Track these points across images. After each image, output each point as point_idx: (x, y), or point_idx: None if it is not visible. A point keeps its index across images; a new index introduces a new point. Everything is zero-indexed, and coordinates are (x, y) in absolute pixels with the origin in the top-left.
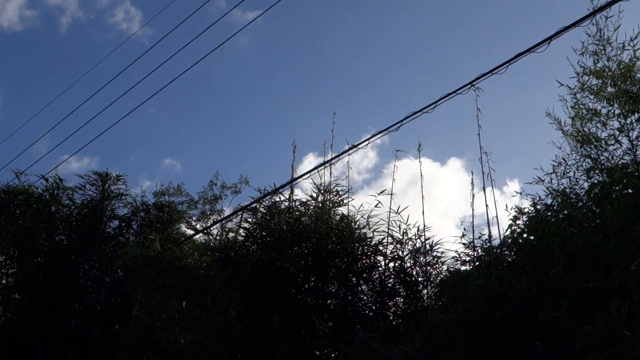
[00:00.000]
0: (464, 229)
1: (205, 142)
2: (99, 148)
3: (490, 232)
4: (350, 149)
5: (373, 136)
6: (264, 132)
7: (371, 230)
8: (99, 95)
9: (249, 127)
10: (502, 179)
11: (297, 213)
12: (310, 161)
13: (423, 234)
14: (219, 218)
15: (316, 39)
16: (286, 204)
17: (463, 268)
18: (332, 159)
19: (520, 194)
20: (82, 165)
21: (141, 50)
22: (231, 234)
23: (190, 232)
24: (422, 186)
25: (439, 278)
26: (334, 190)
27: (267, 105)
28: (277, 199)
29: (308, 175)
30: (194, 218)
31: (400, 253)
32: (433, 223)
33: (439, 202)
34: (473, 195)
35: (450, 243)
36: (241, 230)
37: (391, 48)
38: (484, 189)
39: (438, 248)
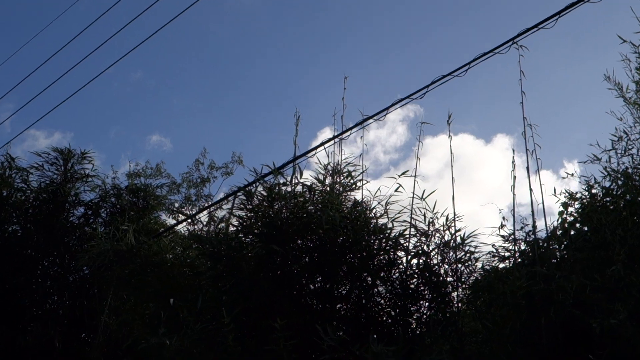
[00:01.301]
0: (503, 217)
1: (201, 116)
2: (73, 122)
3: (534, 222)
4: (364, 120)
5: (392, 105)
6: (270, 103)
7: (390, 219)
8: (71, 54)
9: (253, 97)
10: (558, 159)
11: (300, 199)
12: (326, 136)
13: (453, 224)
14: (207, 204)
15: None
16: (288, 188)
17: (502, 266)
18: (342, 133)
19: (572, 175)
20: (53, 143)
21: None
22: (221, 224)
23: (171, 221)
24: (451, 165)
25: (472, 278)
26: (345, 171)
27: (274, 71)
28: (278, 182)
29: (313, 153)
30: (177, 204)
31: (425, 247)
32: (473, 212)
33: (481, 187)
34: (514, 177)
35: (486, 236)
36: (233, 219)
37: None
38: (527, 169)
39: (471, 242)
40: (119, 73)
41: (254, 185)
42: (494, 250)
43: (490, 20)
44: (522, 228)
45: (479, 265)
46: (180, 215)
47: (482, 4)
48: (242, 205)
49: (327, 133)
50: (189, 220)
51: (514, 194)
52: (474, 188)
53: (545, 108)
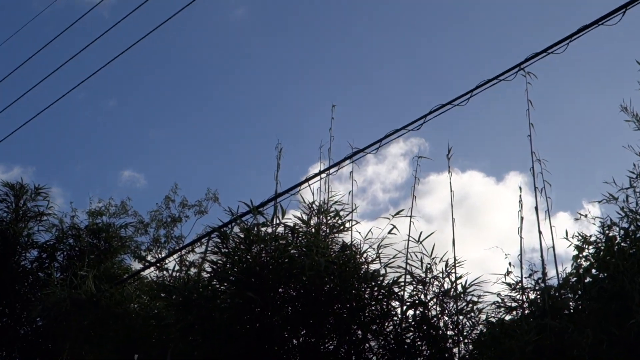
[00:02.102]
0: (509, 263)
1: (179, 149)
2: (36, 155)
3: (544, 268)
4: (354, 154)
5: (386, 137)
6: (254, 135)
7: (383, 265)
8: (32, 73)
9: (237, 129)
10: (577, 199)
11: (282, 242)
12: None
13: (454, 270)
14: (177, 247)
15: (325, 8)
16: (268, 229)
17: (508, 318)
18: (328, 168)
19: (585, 216)
20: (10, 178)
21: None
22: (193, 270)
23: (137, 266)
24: (451, 204)
25: (476, 331)
26: (333, 211)
27: (260, 97)
28: (257, 223)
29: (296, 190)
30: (143, 247)
31: (422, 297)
32: (480, 258)
33: (491, 230)
34: (521, 218)
35: (491, 284)
36: (206, 265)
37: (423, 18)
38: (536, 210)
39: (474, 291)
40: (91, 100)
41: (230, 226)
42: (500, 300)
43: (494, 44)
44: (530, 275)
45: (483, 317)
46: (147, 259)
47: (485, 28)
48: (216, 249)
49: (319, 168)
50: (157, 265)
51: (520, 237)
52: (482, 231)
53: (559, 142)
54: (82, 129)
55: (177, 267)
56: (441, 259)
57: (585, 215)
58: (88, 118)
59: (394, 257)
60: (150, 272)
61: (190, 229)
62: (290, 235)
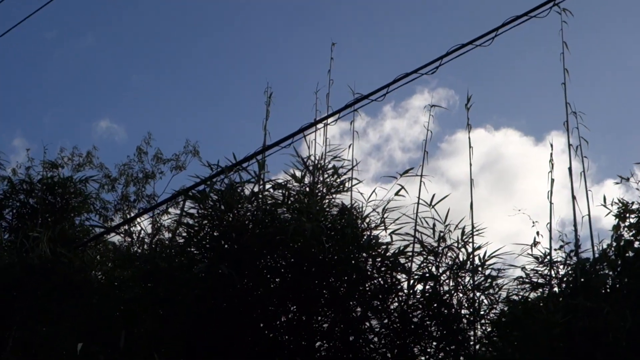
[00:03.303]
0: (537, 233)
1: (165, 97)
2: None
3: (578, 240)
4: (356, 101)
5: (394, 82)
6: (253, 80)
7: (389, 232)
8: None
9: (236, 75)
10: (624, 162)
11: (270, 201)
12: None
13: (471, 239)
14: (148, 207)
15: None
16: (255, 187)
17: (533, 295)
18: (327, 117)
19: (627, 180)
20: None
21: None
22: (166, 234)
23: (101, 228)
24: (470, 164)
25: (495, 311)
26: (330, 167)
27: (252, 38)
28: (241, 180)
29: (288, 142)
30: (110, 207)
31: (433, 269)
32: (510, 230)
33: (525, 197)
34: (552, 180)
35: (515, 256)
36: (181, 228)
37: None
38: (569, 170)
39: (494, 264)
40: (63, 38)
41: (210, 183)
42: (524, 276)
43: None
44: (561, 247)
45: (504, 294)
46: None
47: None
48: (191, 211)
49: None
50: (124, 228)
51: (550, 203)
52: (514, 199)
53: (605, 93)
54: (51, 71)
55: (147, 231)
56: (456, 226)
57: (627, 179)
58: (58, 59)
59: (401, 223)
60: (116, 236)
61: (165, 187)
62: (280, 194)
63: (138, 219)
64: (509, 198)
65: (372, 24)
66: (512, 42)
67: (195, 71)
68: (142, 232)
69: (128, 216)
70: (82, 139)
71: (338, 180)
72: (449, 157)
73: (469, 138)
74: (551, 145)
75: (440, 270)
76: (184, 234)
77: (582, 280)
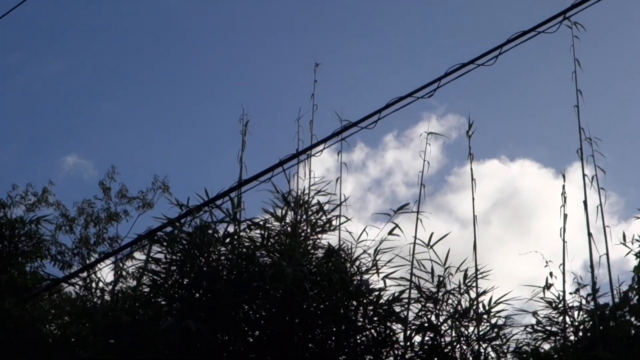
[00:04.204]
0: (550, 274)
1: (142, 128)
2: None
3: (595, 282)
4: (343, 129)
5: (386, 107)
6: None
7: (381, 276)
8: None
9: (211, 100)
10: None
11: (247, 243)
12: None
13: (475, 283)
14: (109, 251)
15: None
16: (227, 227)
17: (547, 346)
18: (310, 147)
19: None
20: None
21: None
22: (131, 281)
23: (57, 273)
24: (472, 198)
25: None
26: (314, 204)
27: (234, 54)
28: (212, 220)
29: (270, 175)
30: (67, 251)
31: (433, 318)
32: (524, 272)
33: (544, 237)
34: (565, 215)
35: (525, 301)
36: (146, 276)
37: None
38: (584, 204)
39: (500, 311)
40: (29, 63)
41: (179, 224)
42: (536, 324)
43: None
44: (577, 291)
45: (513, 345)
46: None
47: None
48: (158, 255)
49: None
50: (84, 274)
51: (564, 241)
52: (531, 238)
53: (623, 115)
54: (14, 100)
55: (105, 280)
56: (457, 268)
57: None
58: (22, 85)
59: (396, 266)
60: (75, 283)
61: (130, 228)
62: (259, 236)
63: (99, 265)
64: (526, 237)
65: (361, 42)
66: (523, 60)
67: (167, 97)
68: (102, 280)
69: (87, 261)
70: (44, 176)
71: (324, 218)
72: (458, 192)
73: (471, 169)
74: (563, 177)
75: (441, 319)
76: (150, 282)
77: (601, 328)
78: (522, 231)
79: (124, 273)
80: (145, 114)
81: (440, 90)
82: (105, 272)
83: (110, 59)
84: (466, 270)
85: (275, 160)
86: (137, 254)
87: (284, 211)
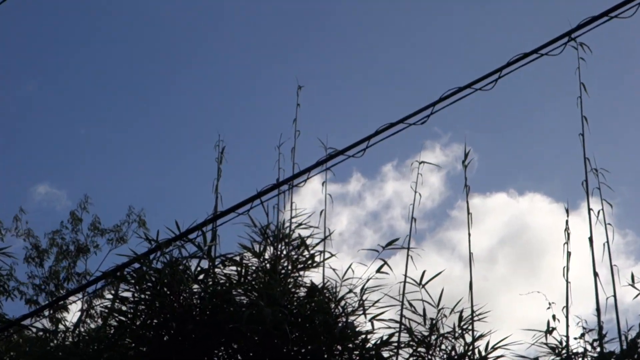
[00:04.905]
0: (553, 317)
1: (118, 154)
2: None
3: (601, 327)
4: (328, 158)
5: (376, 134)
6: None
7: (368, 317)
8: None
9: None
10: None
11: (222, 280)
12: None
13: (470, 326)
14: (77, 287)
15: None
16: (199, 263)
17: None
18: (292, 177)
19: None
20: None
21: None
22: (98, 321)
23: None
24: (469, 234)
25: None
26: (295, 239)
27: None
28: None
29: (249, 207)
30: (33, 286)
31: None
32: (537, 316)
33: (554, 277)
34: (568, 253)
35: (527, 346)
36: (112, 316)
37: None
38: (589, 241)
39: (499, 357)
40: (1, 81)
41: (147, 260)
42: None
43: (534, 6)
44: (582, 335)
45: None
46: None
47: None
48: (128, 294)
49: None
50: (46, 314)
51: (567, 282)
52: (542, 278)
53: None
54: None
55: (76, 318)
56: (452, 310)
57: None
58: None
59: (385, 307)
60: (29, 326)
61: (100, 262)
62: (235, 272)
63: (67, 302)
64: (534, 277)
65: (349, 64)
66: (529, 85)
67: (149, 123)
68: (67, 320)
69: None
70: (14, 206)
71: (306, 253)
72: (462, 228)
73: (467, 202)
74: (567, 211)
75: None
76: (116, 323)
77: None
78: (530, 271)
79: (92, 312)
80: (122, 140)
81: (444, 118)
82: (74, 311)
83: (87, 82)
84: (461, 312)
85: (253, 191)
86: (107, 292)
87: (262, 246)
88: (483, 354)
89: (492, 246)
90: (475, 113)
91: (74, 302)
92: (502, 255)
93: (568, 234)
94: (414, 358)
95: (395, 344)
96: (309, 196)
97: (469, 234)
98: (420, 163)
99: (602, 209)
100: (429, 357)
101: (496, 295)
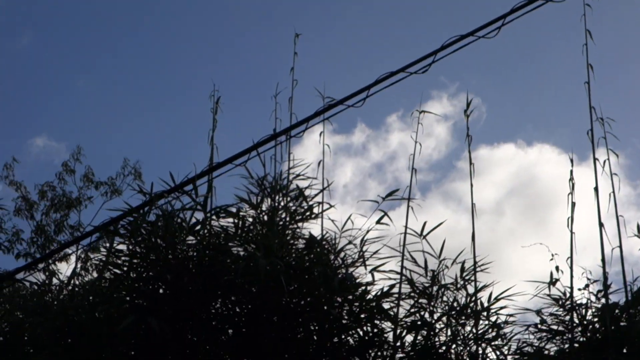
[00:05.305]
0: (556, 268)
1: (119, 108)
2: None
3: (606, 277)
4: (327, 108)
5: (375, 83)
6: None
7: (369, 269)
8: None
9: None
10: None
11: (219, 232)
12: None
13: (473, 276)
14: (69, 240)
15: None
16: (192, 215)
17: (552, 347)
18: (290, 128)
19: None
20: None
21: None
22: (92, 274)
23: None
24: (471, 184)
25: None
26: (293, 190)
27: (206, 24)
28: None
29: (246, 158)
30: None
31: (427, 316)
32: (545, 269)
33: (561, 229)
34: (573, 203)
35: (529, 297)
36: (107, 270)
37: None
38: (595, 191)
39: (502, 308)
40: None
41: (142, 213)
42: (540, 323)
43: None
44: (586, 287)
45: (514, 346)
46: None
47: None
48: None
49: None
50: (37, 267)
51: (571, 232)
52: (550, 230)
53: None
54: None
55: (68, 271)
56: (454, 261)
57: None
58: None
59: (385, 258)
60: (22, 280)
61: (94, 215)
62: (232, 225)
63: (62, 254)
64: (542, 229)
65: (348, 11)
66: (534, 33)
67: (144, 74)
68: (59, 273)
69: (43, 253)
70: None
71: (305, 205)
72: (469, 179)
73: (469, 152)
74: (571, 161)
75: (435, 317)
76: (111, 277)
77: (613, 328)
78: (538, 223)
79: (86, 265)
80: (119, 90)
81: (450, 68)
82: (68, 265)
83: (83, 32)
84: (463, 263)
85: (249, 142)
86: (101, 246)
87: (259, 198)
88: (486, 305)
89: (500, 198)
90: (482, 62)
91: (68, 255)
92: (510, 207)
93: (573, 184)
94: (415, 309)
95: (396, 296)
96: (312, 147)
97: (471, 185)
98: (420, 112)
99: (608, 159)
100: (431, 308)
101: (503, 247)
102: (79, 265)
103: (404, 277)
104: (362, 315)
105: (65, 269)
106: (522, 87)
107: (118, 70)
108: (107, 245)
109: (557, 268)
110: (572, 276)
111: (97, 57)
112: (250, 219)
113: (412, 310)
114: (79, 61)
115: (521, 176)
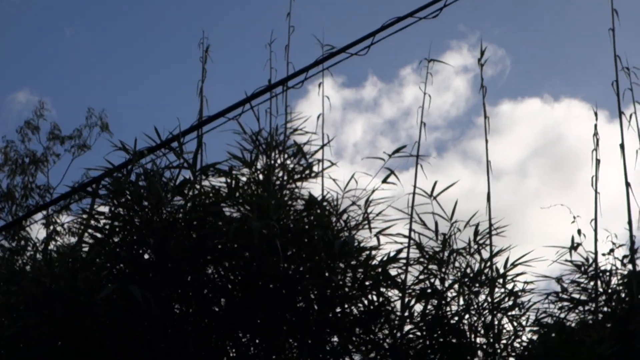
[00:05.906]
0: (579, 231)
1: (108, 57)
2: None
3: (633, 242)
4: (329, 56)
5: (381, 29)
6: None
7: (374, 232)
8: None
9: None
10: None
11: (209, 193)
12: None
13: (488, 241)
14: (40, 204)
15: None
16: (178, 174)
17: (573, 317)
18: (285, 79)
19: None
20: None
21: None
22: (68, 238)
23: None
24: (486, 140)
25: (522, 339)
26: (291, 146)
27: None
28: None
29: (240, 111)
30: None
31: (437, 283)
32: (558, 232)
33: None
34: (597, 160)
35: (548, 263)
36: (87, 233)
37: None
38: (621, 147)
39: (519, 274)
40: None
41: (127, 171)
42: (561, 291)
43: None
44: (611, 251)
45: (533, 316)
46: None
47: None
48: (101, 208)
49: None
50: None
51: (596, 192)
52: (577, 192)
53: None
54: None
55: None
56: (467, 223)
57: None
58: None
59: (392, 220)
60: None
61: (64, 174)
62: (224, 184)
63: (31, 220)
64: (570, 192)
65: None
66: None
67: (127, 20)
68: (33, 238)
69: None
70: None
71: (303, 162)
72: (490, 136)
73: (484, 104)
74: (595, 114)
75: (447, 285)
76: (92, 241)
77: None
78: (565, 184)
79: (58, 229)
80: (102, 42)
81: (470, 15)
82: (37, 229)
83: None
84: (477, 226)
85: (242, 95)
86: (73, 206)
87: (254, 155)
88: (501, 271)
89: (524, 158)
90: (505, 10)
91: (38, 221)
92: (534, 168)
93: (597, 140)
94: (425, 276)
95: (404, 261)
96: (318, 101)
97: (486, 140)
98: (429, 61)
99: (635, 113)
100: (442, 275)
101: (525, 210)
102: (51, 229)
103: (412, 241)
104: (367, 283)
105: (35, 234)
106: (549, 37)
107: (101, 19)
108: (83, 207)
109: (579, 231)
110: (596, 240)
111: (80, 6)
112: (244, 178)
113: (422, 277)
114: (65, 9)
115: (547, 134)
